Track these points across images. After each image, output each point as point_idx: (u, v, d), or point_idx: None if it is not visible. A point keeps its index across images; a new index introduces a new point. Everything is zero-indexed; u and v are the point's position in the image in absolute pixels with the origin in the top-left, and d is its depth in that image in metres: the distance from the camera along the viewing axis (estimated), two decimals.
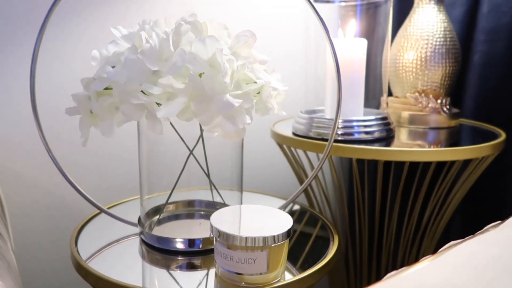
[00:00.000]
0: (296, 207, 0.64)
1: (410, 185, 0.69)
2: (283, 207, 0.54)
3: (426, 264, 0.24)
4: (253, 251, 0.39)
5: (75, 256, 0.46)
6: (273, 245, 0.40)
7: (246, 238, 0.39)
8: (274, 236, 0.39)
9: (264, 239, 0.39)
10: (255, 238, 0.39)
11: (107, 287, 0.42)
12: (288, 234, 0.41)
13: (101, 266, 0.45)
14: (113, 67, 0.42)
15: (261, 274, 0.40)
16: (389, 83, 0.76)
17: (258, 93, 0.43)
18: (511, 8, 0.74)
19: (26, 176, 0.68)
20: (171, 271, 0.46)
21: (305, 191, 0.71)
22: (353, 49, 0.63)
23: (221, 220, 0.42)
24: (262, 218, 0.43)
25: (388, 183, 0.67)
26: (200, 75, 0.39)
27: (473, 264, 0.22)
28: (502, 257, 0.21)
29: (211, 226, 0.41)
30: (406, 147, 0.59)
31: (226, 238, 0.39)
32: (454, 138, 0.67)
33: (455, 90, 0.83)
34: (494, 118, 0.77)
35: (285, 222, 0.41)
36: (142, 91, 0.38)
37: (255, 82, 0.40)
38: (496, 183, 0.79)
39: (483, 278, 0.21)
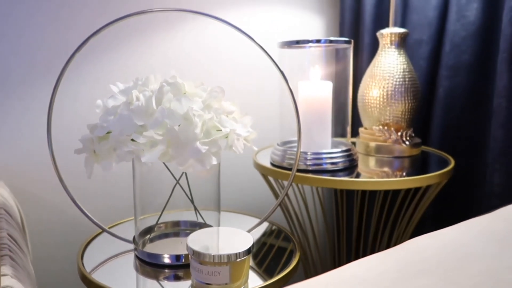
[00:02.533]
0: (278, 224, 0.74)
1: (382, 207, 0.78)
2: (254, 228, 0.64)
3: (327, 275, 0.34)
4: (220, 265, 0.49)
5: (80, 269, 0.57)
6: (237, 260, 0.50)
7: (213, 255, 0.49)
8: (236, 254, 0.49)
9: (228, 256, 0.49)
10: (220, 255, 0.49)
11: None
12: (249, 251, 0.50)
13: (102, 277, 0.56)
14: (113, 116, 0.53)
15: (226, 284, 0.50)
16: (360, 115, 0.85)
17: (227, 137, 0.53)
18: (468, 47, 0.84)
19: (43, 199, 0.80)
20: (160, 282, 0.56)
21: (283, 211, 0.81)
22: (321, 91, 0.73)
23: (196, 240, 0.52)
24: (229, 238, 0.53)
25: (364, 206, 0.76)
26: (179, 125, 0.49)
27: (348, 281, 0.32)
28: (366, 279, 0.30)
29: (187, 246, 0.51)
30: (369, 173, 0.69)
31: (198, 256, 0.49)
32: (414, 166, 0.76)
33: (423, 120, 0.92)
34: (456, 146, 0.85)
35: (247, 242, 0.51)
36: (132, 139, 0.49)
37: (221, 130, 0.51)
38: (460, 204, 0.87)
39: None
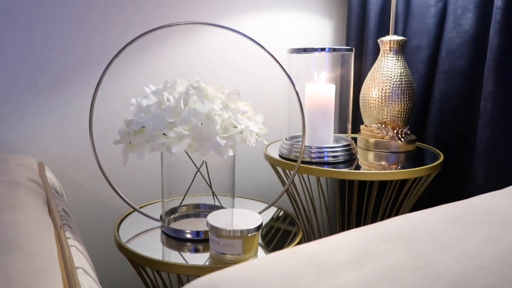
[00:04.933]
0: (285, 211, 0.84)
1: (379, 198, 0.87)
2: (263, 211, 0.74)
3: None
4: (234, 239, 0.60)
5: (117, 239, 0.68)
6: (248, 235, 0.60)
7: (229, 230, 0.59)
8: (248, 229, 0.59)
9: (241, 231, 0.59)
10: (235, 230, 0.59)
11: (139, 259, 0.63)
12: (258, 228, 0.61)
13: (134, 247, 0.66)
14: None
15: (239, 254, 0.60)
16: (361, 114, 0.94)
17: (241, 132, 0.63)
18: (463, 54, 0.92)
19: (79, 182, 0.91)
20: (182, 253, 0.67)
21: (290, 198, 0.91)
22: (325, 92, 0.82)
23: (214, 218, 0.62)
24: (242, 217, 0.63)
25: (363, 195, 0.86)
26: (201, 123, 0.59)
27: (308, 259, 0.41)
28: (344, 244, 0.40)
29: (207, 222, 0.61)
30: (368, 166, 0.78)
31: (216, 230, 0.60)
32: (408, 160, 0.85)
33: (421, 118, 1.00)
34: (448, 143, 0.94)
35: (257, 221, 0.62)
36: (163, 133, 0.59)
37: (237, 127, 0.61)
38: (452, 195, 0.96)
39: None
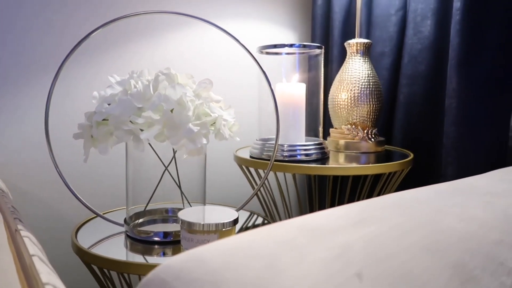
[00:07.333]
0: (259, 219, 0.80)
1: (352, 197, 0.85)
2: (238, 210, 0.70)
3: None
4: (208, 234, 0.55)
5: (74, 242, 0.61)
6: (223, 229, 0.55)
7: (203, 224, 0.54)
8: (223, 223, 0.55)
9: (216, 225, 0.55)
10: (209, 224, 0.54)
11: (98, 262, 0.56)
12: (235, 222, 0.56)
13: (94, 251, 0.60)
14: (109, 104, 0.59)
15: None
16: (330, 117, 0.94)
17: (214, 123, 0.60)
18: (424, 59, 0.94)
19: (32, 193, 0.83)
20: (147, 257, 0.61)
21: (260, 203, 0.87)
22: (295, 91, 0.81)
23: (186, 214, 0.57)
24: (216, 212, 0.59)
25: (335, 193, 0.83)
26: (171, 110, 0.55)
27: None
28: (336, 213, 0.37)
29: (179, 218, 0.56)
30: (336, 165, 0.77)
31: (188, 226, 0.55)
32: (378, 160, 0.85)
33: (387, 123, 1.01)
34: (416, 145, 0.95)
35: (233, 215, 0.57)
36: (130, 121, 0.55)
37: (211, 115, 0.57)
38: None
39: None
